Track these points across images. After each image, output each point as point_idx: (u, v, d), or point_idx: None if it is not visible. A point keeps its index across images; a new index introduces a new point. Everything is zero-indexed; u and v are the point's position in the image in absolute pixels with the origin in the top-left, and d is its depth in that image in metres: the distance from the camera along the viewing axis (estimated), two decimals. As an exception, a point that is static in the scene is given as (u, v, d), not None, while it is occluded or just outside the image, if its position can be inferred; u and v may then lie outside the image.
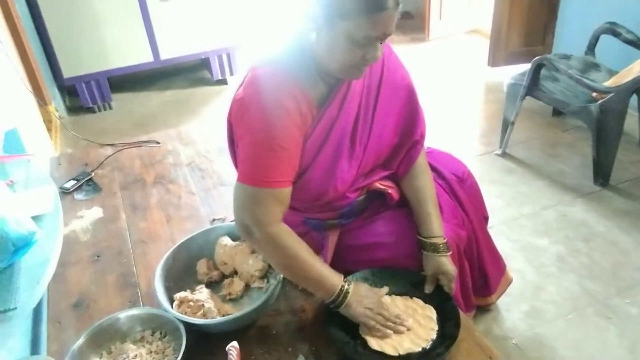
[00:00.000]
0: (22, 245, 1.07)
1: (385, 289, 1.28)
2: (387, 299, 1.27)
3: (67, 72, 3.53)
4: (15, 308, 0.98)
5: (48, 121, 3.14)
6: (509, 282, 1.81)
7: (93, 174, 1.97)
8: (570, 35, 3.35)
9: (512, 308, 1.87)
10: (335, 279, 1.20)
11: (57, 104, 3.50)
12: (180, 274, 1.37)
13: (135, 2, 3.47)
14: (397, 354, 1.14)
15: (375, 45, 1.10)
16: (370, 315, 1.19)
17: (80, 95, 3.65)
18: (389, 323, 1.19)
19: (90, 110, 3.74)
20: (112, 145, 2.19)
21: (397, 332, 1.19)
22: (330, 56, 1.12)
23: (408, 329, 1.20)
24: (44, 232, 1.18)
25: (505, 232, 2.25)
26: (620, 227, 2.24)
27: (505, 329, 1.80)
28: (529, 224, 2.31)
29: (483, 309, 1.82)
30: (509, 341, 1.76)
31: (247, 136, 1.16)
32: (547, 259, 2.10)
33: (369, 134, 1.29)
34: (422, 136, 1.40)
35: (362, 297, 1.21)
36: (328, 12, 1.06)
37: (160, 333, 1.23)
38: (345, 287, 1.19)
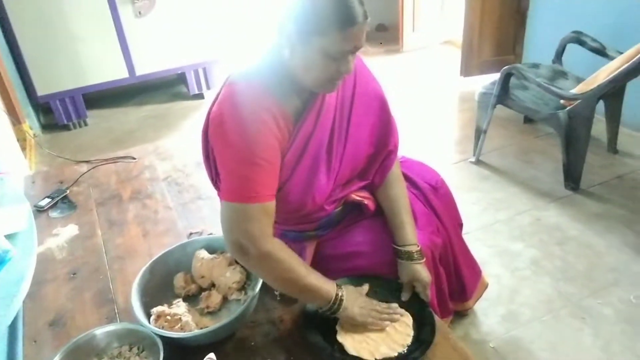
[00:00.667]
0: (-5, 263, 1.07)
1: (366, 287, 1.32)
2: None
3: (41, 90, 3.50)
4: (-11, 327, 0.97)
5: (22, 139, 3.11)
6: (485, 286, 1.85)
7: (68, 191, 1.96)
8: (539, 45, 3.44)
9: (489, 312, 1.90)
10: (329, 286, 1.22)
11: (31, 122, 3.47)
12: (158, 289, 1.37)
13: (109, 18, 3.46)
14: (373, 359, 1.16)
15: (348, 58, 1.13)
16: (365, 312, 1.24)
17: (55, 113, 3.62)
18: (384, 315, 1.25)
19: (65, 128, 3.71)
20: (87, 162, 2.18)
21: (393, 321, 1.25)
22: (305, 71, 1.14)
23: (402, 315, 1.26)
24: (18, 250, 1.18)
25: (481, 238, 2.29)
26: (593, 230, 2.30)
27: (483, 333, 1.83)
28: (504, 229, 2.35)
29: (461, 314, 1.85)
30: (487, 345, 1.78)
31: (228, 153, 1.16)
32: (522, 263, 2.14)
33: (344, 145, 1.31)
34: (396, 146, 1.43)
35: (355, 298, 1.26)
36: (301, 30, 1.08)
37: (138, 348, 1.23)
38: (340, 294, 1.22)
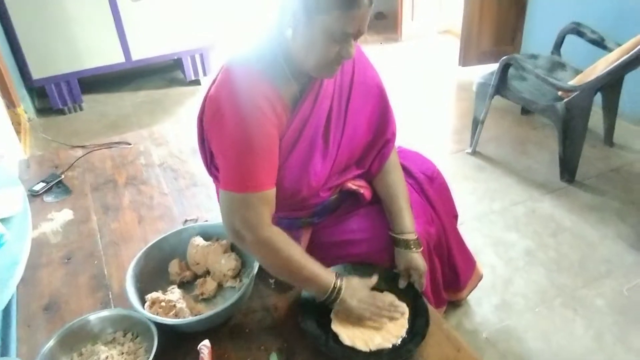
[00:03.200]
0: (-11, 247, 1.06)
1: (375, 278, 1.30)
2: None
3: (37, 74, 3.47)
4: (-17, 311, 0.97)
5: (17, 123, 3.09)
6: (480, 277, 1.85)
7: (63, 175, 1.95)
8: (538, 35, 3.43)
9: (482, 302, 1.91)
10: (328, 276, 1.21)
11: (26, 106, 3.44)
12: (153, 275, 1.36)
13: (105, 1, 3.42)
14: (367, 349, 1.16)
15: (350, 42, 1.12)
16: (364, 307, 1.22)
17: (50, 97, 3.59)
18: (384, 312, 1.23)
19: (60, 112, 3.68)
20: (82, 146, 2.17)
21: (392, 319, 1.23)
22: (307, 52, 1.13)
23: (402, 314, 1.23)
24: (12, 233, 1.18)
25: (476, 228, 2.30)
26: (587, 222, 2.31)
27: (476, 323, 1.84)
28: (499, 219, 2.36)
29: (454, 304, 1.86)
30: (480, 335, 1.79)
31: (226, 142, 1.16)
32: (517, 253, 2.15)
33: (341, 132, 1.31)
34: (394, 134, 1.43)
35: (355, 290, 1.23)
36: (307, 7, 1.06)
37: (132, 334, 1.23)
38: (338, 284, 1.21)
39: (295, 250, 1.20)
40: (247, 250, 1.25)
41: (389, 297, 1.26)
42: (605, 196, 2.47)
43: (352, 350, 1.16)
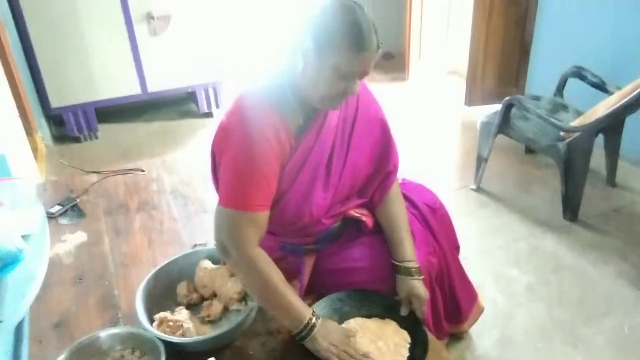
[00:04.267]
0: (10, 261, 1.12)
1: (355, 329, 1.30)
2: (358, 326, 1.31)
3: (55, 102, 3.59)
4: (1, 321, 1.02)
5: (34, 149, 3.18)
6: (481, 310, 1.87)
7: (78, 199, 2.02)
8: (541, 78, 3.53)
9: (484, 335, 1.93)
10: (304, 311, 1.23)
11: (43, 133, 3.54)
12: (161, 296, 1.41)
13: (124, 35, 3.57)
14: None
15: (355, 81, 1.21)
16: (334, 351, 1.20)
17: (67, 125, 3.70)
18: None
19: (76, 140, 3.78)
20: (97, 172, 2.24)
21: None
22: (314, 86, 1.21)
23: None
24: (30, 250, 1.23)
25: (478, 262, 2.33)
26: (588, 260, 2.33)
27: (477, 356, 1.85)
28: (501, 255, 2.39)
29: (456, 337, 1.87)
30: (480, 368, 1.81)
31: (230, 162, 1.24)
32: (518, 289, 2.17)
33: (344, 163, 1.38)
34: (396, 167, 1.49)
35: (329, 332, 1.23)
36: (319, 45, 1.16)
37: (140, 352, 1.26)
38: (313, 321, 1.22)
39: (276, 276, 1.23)
40: (231, 266, 1.31)
41: (365, 348, 1.22)
42: (607, 235, 2.50)
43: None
